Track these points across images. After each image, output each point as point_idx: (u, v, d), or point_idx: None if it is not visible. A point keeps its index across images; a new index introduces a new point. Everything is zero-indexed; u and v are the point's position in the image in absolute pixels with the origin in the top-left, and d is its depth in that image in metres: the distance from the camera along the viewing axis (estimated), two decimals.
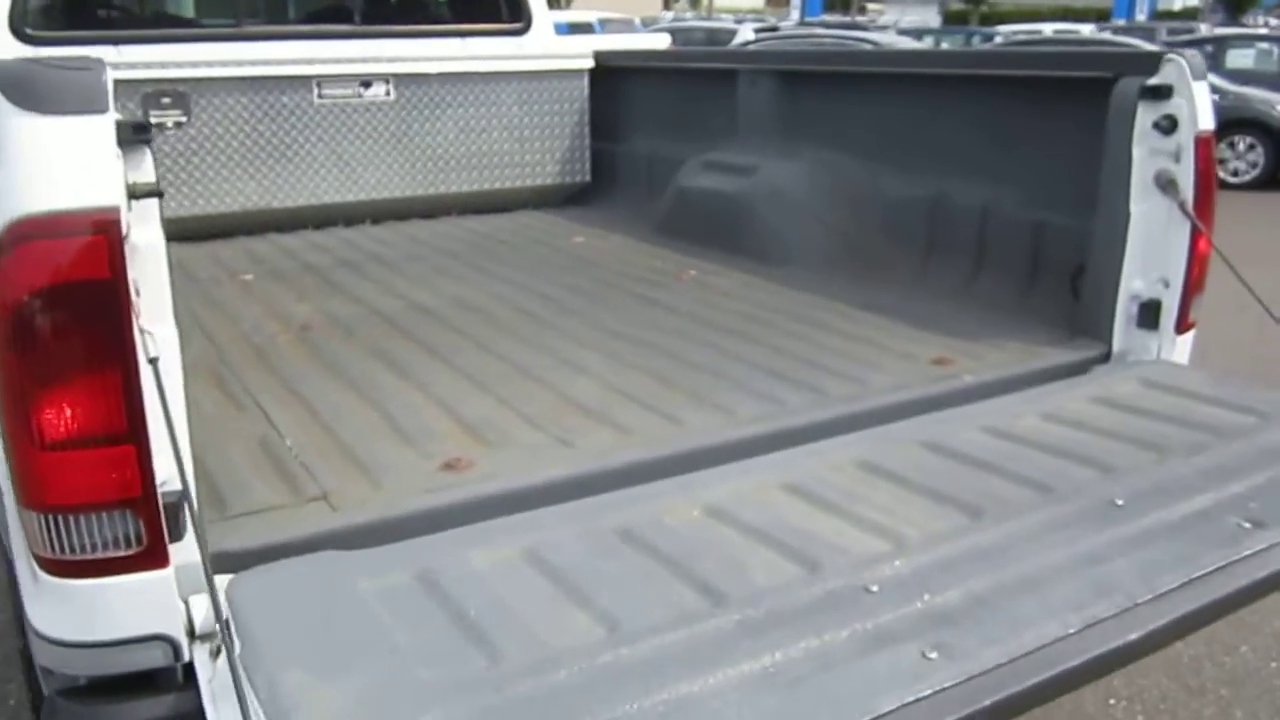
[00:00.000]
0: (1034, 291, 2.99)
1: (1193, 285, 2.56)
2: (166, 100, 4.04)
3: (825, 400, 2.32)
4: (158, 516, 1.49)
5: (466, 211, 4.80)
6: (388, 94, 4.46)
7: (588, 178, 5.00)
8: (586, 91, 4.90)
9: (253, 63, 4.15)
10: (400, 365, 2.59)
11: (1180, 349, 2.62)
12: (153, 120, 3.90)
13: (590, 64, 4.86)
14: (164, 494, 1.55)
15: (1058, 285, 2.89)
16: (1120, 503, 1.81)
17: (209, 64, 4.08)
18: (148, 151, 1.54)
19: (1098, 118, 2.64)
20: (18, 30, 4.09)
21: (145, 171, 1.55)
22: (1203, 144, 2.50)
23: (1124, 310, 2.61)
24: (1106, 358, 2.62)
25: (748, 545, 1.68)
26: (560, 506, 1.85)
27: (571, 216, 4.71)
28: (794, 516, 1.78)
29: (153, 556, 1.49)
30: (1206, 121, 2.51)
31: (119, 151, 1.53)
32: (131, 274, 1.49)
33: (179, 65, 4.03)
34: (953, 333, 2.78)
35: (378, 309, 3.13)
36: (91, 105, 1.47)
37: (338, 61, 4.31)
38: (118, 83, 3.99)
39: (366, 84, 4.40)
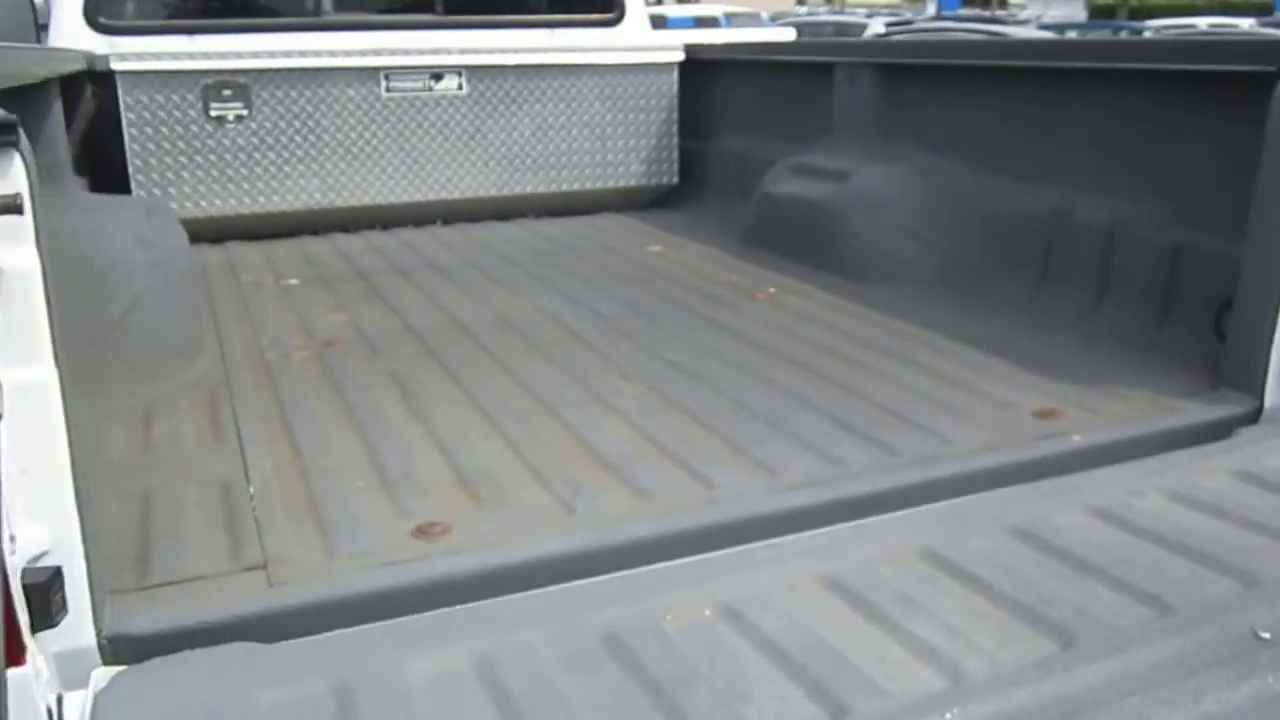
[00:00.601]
0: (1168, 329, 2.50)
1: None
2: (227, 92, 3.86)
3: (894, 461, 1.91)
4: (10, 605, 1.21)
5: (543, 214, 4.51)
6: (460, 87, 4.19)
7: (675, 179, 4.64)
8: (676, 87, 4.54)
9: (317, 53, 3.94)
10: (413, 393, 2.29)
11: None
12: (213, 113, 3.73)
13: (680, 57, 4.50)
14: (34, 571, 1.27)
15: (1198, 322, 2.40)
16: (1267, 635, 1.36)
17: (272, 54, 3.88)
18: (15, 156, 1.25)
19: (1255, 121, 2.15)
20: (92, 20, 3.98)
21: (10, 181, 1.26)
22: None
23: None
24: (1256, 417, 2.12)
25: (760, 668, 1.31)
26: (540, 593, 1.51)
27: (654, 222, 4.36)
28: (829, 628, 1.39)
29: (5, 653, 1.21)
30: None
31: None
32: None
33: (253, 55, 3.84)
34: (1064, 376, 2.32)
35: (413, 323, 2.84)
36: None
37: (407, 53, 4.06)
38: (178, 74, 3.88)
39: (437, 76, 4.15)
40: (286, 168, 4.00)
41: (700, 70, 4.64)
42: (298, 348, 2.64)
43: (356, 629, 1.42)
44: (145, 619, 1.41)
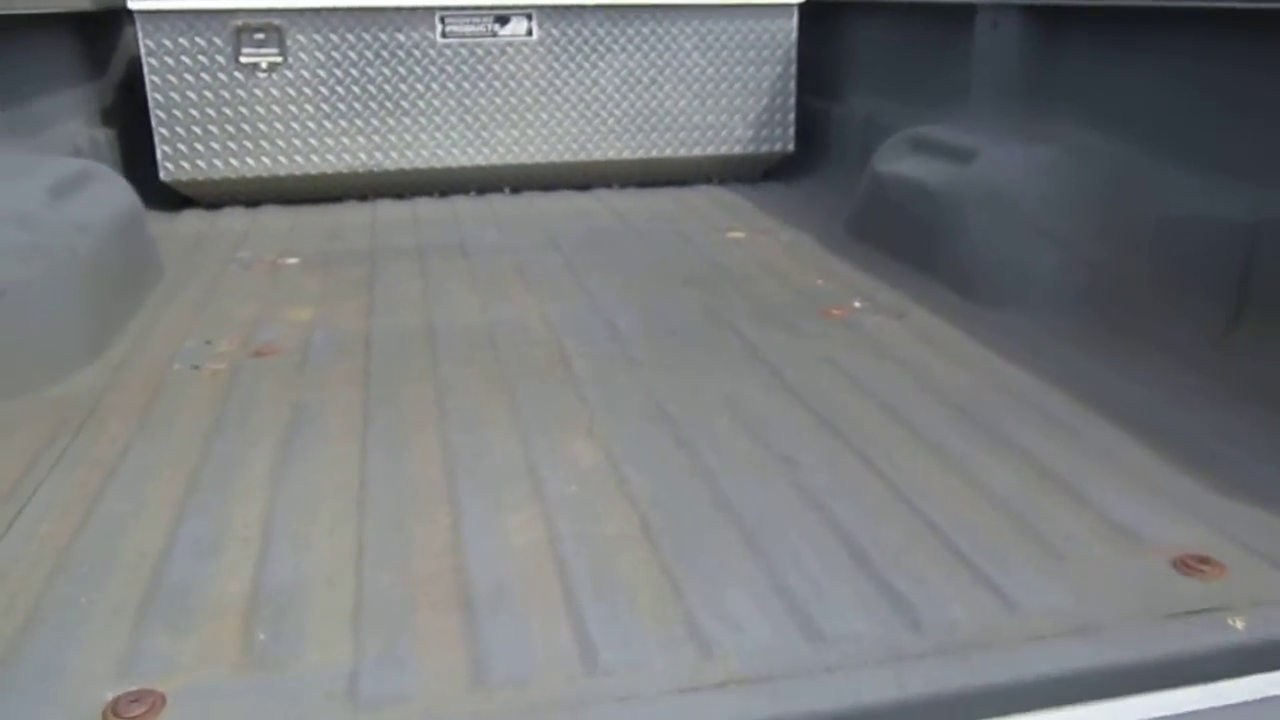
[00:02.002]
0: None
1: None
2: (260, 36, 3.37)
3: (906, 642, 1.18)
4: None
5: (630, 184, 3.84)
6: (529, 32, 3.56)
7: (790, 146, 3.87)
8: (794, 35, 3.75)
9: None
10: (293, 440, 1.71)
11: None
12: (244, 60, 3.25)
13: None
14: None
15: None
16: None
17: None
18: None
19: None
20: None
21: None
22: None
23: None
24: None
25: None
26: None
27: (754, 198, 3.63)
28: None
29: None
30: None
31: None
32: None
33: None
34: (1244, 492, 1.49)
35: (378, 329, 2.26)
36: None
37: None
38: (205, 14, 3.41)
39: (502, 19, 3.53)
40: (327, 124, 3.49)
41: (826, 13, 3.84)
42: (218, 356, 2.11)
43: None
44: None
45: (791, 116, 3.81)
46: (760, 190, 3.78)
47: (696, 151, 3.78)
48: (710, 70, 3.71)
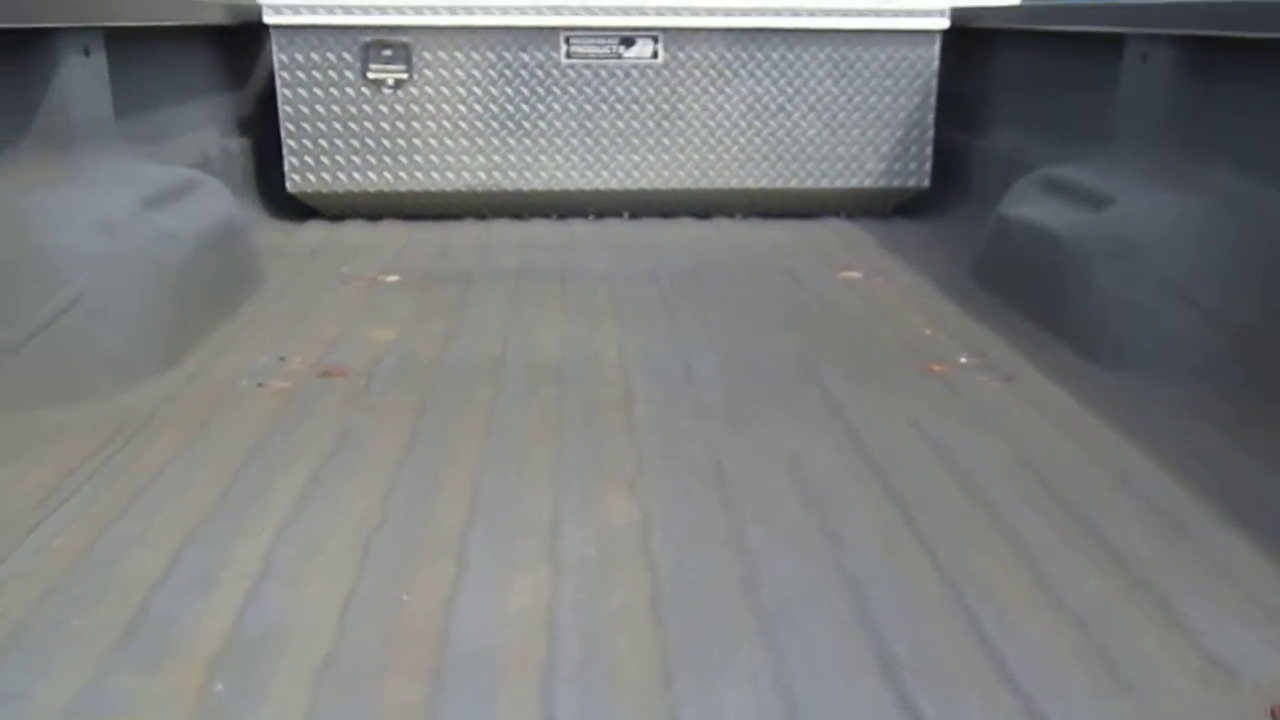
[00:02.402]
0: None
1: None
2: (387, 53, 3.40)
3: None
4: None
5: (754, 214, 3.70)
6: (654, 55, 3.47)
7: (925, 182, 3.64)
8: (936, 64, 3.53)
9: (487, 10, 3.37)
10: (334, 464, 1.65)
11: None
12: (371, 76, 3.29)
13: (944, 24, 3.48)
14: None
15: None
16: None
17: (436, 10, 3.36)
18: None
19: None
20: None
21: None
22: None
23: None
24: None
25: None
26: None
27: (881, 235, 3.43)
28: None
29: None
30: None
31: None
32: None
33: (415, 11, 3.35)
34: None
35: (453, 356, 2.20)
36: None
37: (591, 11, 3.40)
38: (336, 29, 3.47)
39: (628, 41, 3.45)
40: (449, 141, 3.49)
41: (971, 41, 3.60)
42: (286, 374, 2.09)
43: None
44: None
45: (928, 150, 3.59)
46: (889, 227, 3.57)
47: (824, 184, 3.60)
48: (843, 99, 3.53)
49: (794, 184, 3.60)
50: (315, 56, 3.38)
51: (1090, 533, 1.46)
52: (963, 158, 3.61)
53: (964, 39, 3.59)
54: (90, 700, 1.10)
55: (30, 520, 1.49)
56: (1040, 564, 1.37)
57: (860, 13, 3.43)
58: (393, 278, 2.87)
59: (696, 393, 1.99)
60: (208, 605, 1.28)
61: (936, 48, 3.50)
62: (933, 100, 3.55)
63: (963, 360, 2.21)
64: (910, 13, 3.45)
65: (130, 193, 2.16)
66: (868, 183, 3.61)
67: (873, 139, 3.57)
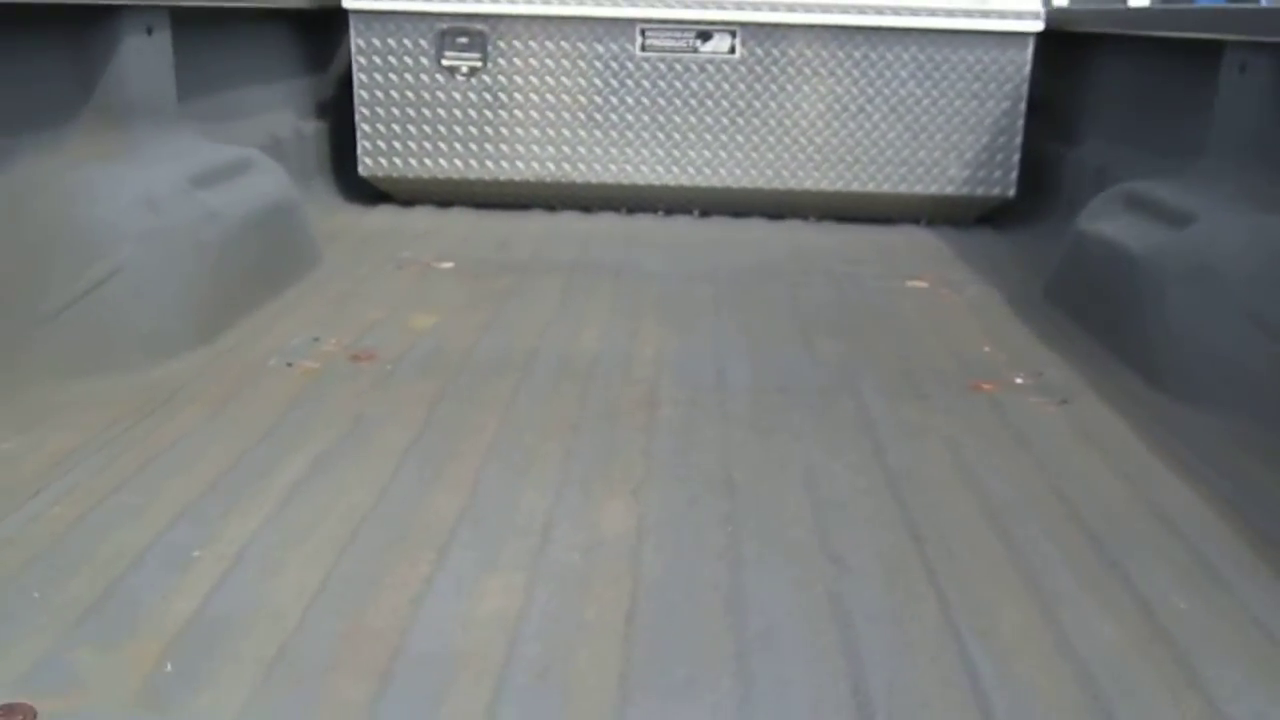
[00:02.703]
0: None
1: None
2: (463, 40, 3.39)
3: None
4: None
5: (829, 217, 3.59)
6: (732, 50, 3.38)
7: (1010, 191, 3.48)
8: (1028, 68, 3.36)
9: (563, 0, 3.33)
10: (341, 448, 1.63)
11: None
12: (445, 63, 3.30)
13: (1038, 26, 3.31)
14: None
15: None
16: None
17: None
18: None
19: None
20: None
21: None
22: None
23: None
24: None
25: None
26: None
27: (956, 244, 3.28)
28: None
29: None
30: None
31: None
32: None
33: (559, 0, 3.32)
34: None
35: (485, 347, 2.17)
36: None
37: (668, 4, 3.33)
38: (414, 15, 3.47)
39: (705, 35, 3.37)
40: (519, 131, 3.47)
41: (1066, 45, 3.42)
42: (317, 355, 2.08)
43: None
44: None
45: (1015, 158, 3.43)
46: (968, 236, 3.41)
47: (903, 189, 3.47)
48: (926, 101, 3.39)
49: (871, 188, 3.47)
50: (392, 42, 3.39)
51: (1117, 576, 1.34)
52: (1054, 168, 3.43)
53: (1059, 42, 3.41)
54: (38, 673, 1.09)
55: (34, 487, 1.50)
56: (1054, 607, 1.26)
57: (949, 12, 3.29)
58: (447, 265, 2.86)
59: (724, 399, 1.92)
60: (179, 585, 1.27)
61: (1029, 51, 3.33)
62: (1023, 106, 3.38)
63: (1018, 380, 2.08)
64: (1002, 14, 3.29)
65: (179, 170, 2.18)
66: (949, 190, 3.47)
67: (956, 144, 3.42)
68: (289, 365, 2.03)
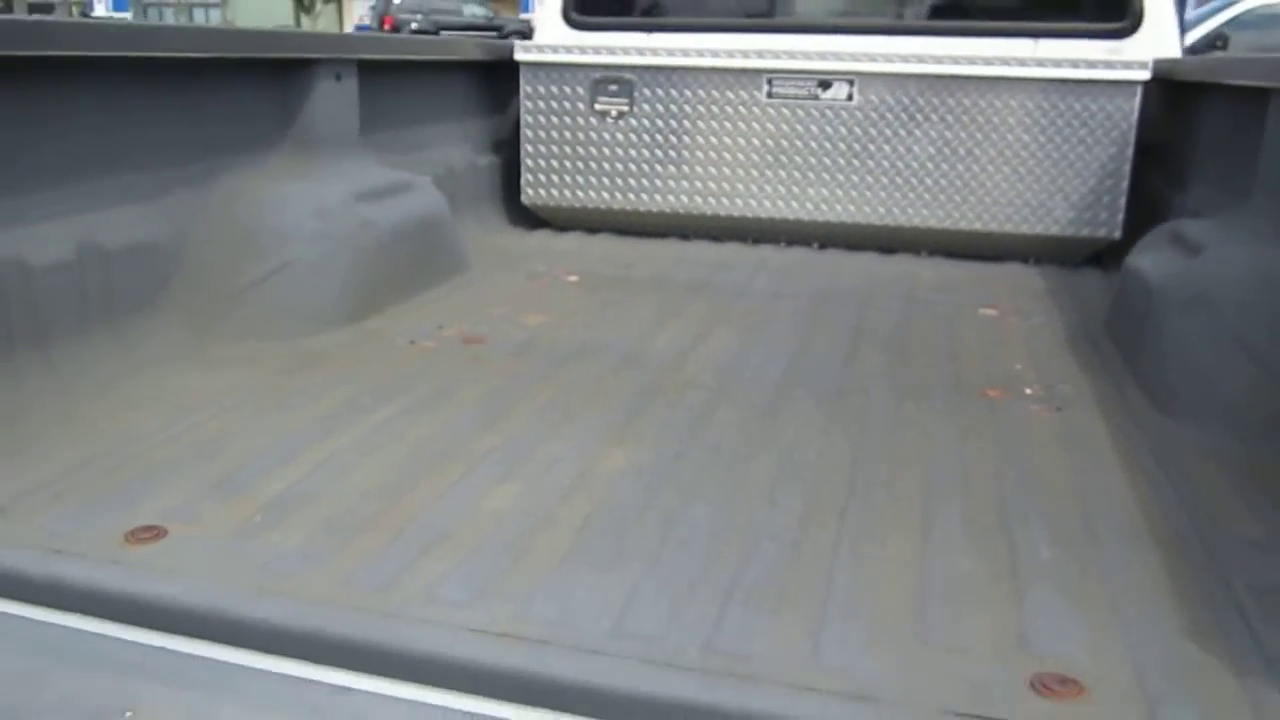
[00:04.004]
0: None
1: None
2: (613, 88, 3.90)
3: (725, 668, 1.26)
4: None
5: (938, 253, 3.83)
6: (849, 97, 3.71)
7: (1116, 234, 3.61)
8: (1135, 116, 3.51)
9: (700, 53, 3.78)
10: (425, 401, 2.11)
11: None
12: (598, 107, 3.81)
13: (1144, 75, 3.46)
14: None
15: None
16: None
17: (656, 51, 3.81)
18: None
19: None
20: (567, 17, 4.28)
21: None
22: None
23: None
24: None
25: None
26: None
27: (1056, 281, 3.46)
28: None
29: None
30: None
31: None
32: None
33: (638, 52, 3.83)
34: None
35: (574, 339, 2.61)
36: None
37: (793, 56, 3.70)
38: (573, 67, 4.00)
39: (825, 84, 3.72)
40: (659, 167, 3.93)
41: (1173, 95, 3.54)
42: (436, 338, 2.59)
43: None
44: None
45: (1121, 201, 3.56)
46: (1073, 275, 3.57)
47: (1008, 228, 3.67)
48: (1034, 146, 3.59)
49: (978, 226, 3.69)
50: (554, 89, 3.94)
51: (1006, 552, 1.59)
52: (1162, 211, 3.54)
53: (1167, 90, 3.53)
54: (177, 511, 1.60)
55: (199, 406, 2.05)
56: (930, 561, 1.54)
57: (1056, 63, 3.50)
58: (573, 278, 3.34)
59: (749, 390, 2.27)
60: (280, 473, 1.76)
61: (1137, 100, 3.48)
62: (1129, 151, 3.52)
63: (1026, 391, 2.31)
64: (1109, 64, 3.46)
65: (347, 188, 2.76)
66: (1054, 230, 3.64)
67: (1063, 187, 3.60)
68: (411, 343, 2.55)
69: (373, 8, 31.72)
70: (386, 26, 29.14)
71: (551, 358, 2.46)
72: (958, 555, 1.53)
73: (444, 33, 25.86)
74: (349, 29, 44.51)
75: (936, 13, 4.01)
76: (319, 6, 43.04)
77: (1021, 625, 1.34)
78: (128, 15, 35.29)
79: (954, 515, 1.66)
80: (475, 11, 29.72)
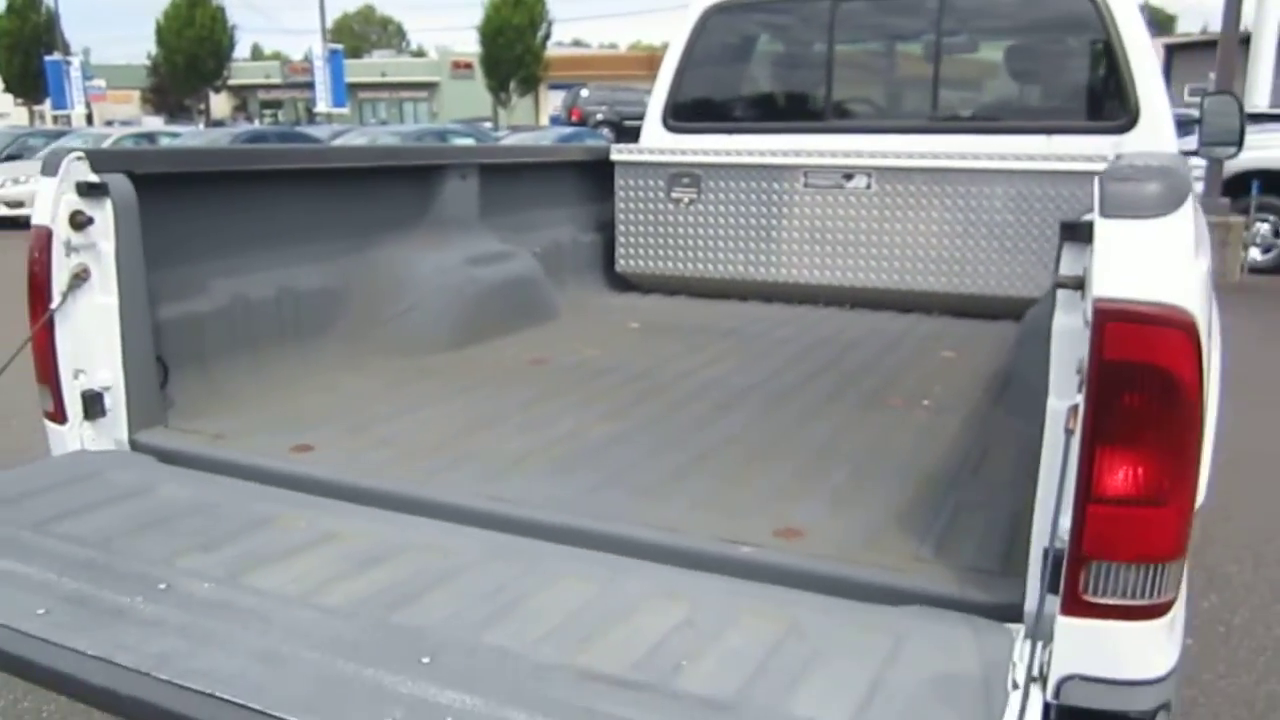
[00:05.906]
0: None
1: None
2: (685, 181, 4.95)
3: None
4: None
5: (945, 313, 4.65)
6: (869, 186, 4.62)
7: None
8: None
9: (751, 153, 4.78)
10: (490, 394, 3.15)
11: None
12: (674, 196, 4.89)
13: (1100, 167, 4.20)
14: (91, 392, 2.62)
15: None
16: None
17: (718, 152, 4.84)
18: (107, 201, 2.59)
19: None
20: (665, 122, 5.40)
21: (104, 213, 2.61)
22: None
23: None
24: None
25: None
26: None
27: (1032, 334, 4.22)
28: None
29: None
30: None
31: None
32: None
33: (703, 152, 4.89)
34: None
35: (611, 361, 3.62)
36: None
37: (823, 155, 4.66)
38: (655, 165, 5.06)
39: (849, 176, 4.65)
40: (720, 242, 4.93)
41: None
42: (512, 361, 3.66)
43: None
44: (152, 437, 2.67)
45: None
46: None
47: (999, 291, 4.46)
48: (1016, 224, 4.39)
49: (975, 290, 4.50)
50: (641, 181, 5.02)
51: (814, 469, 2.49)
52: None
53: None
54: (322, 440, 2.70)
55: (349, 392, 3.17)
56: (752, 465, 2.46)
57: (1030, 157, 4.31)
58: (635, 325, 4.36)
59: (740, 400, 3.18)
60: (386, 426, 2.84)
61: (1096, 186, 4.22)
62: None
63: (924, 403, 3.15)
64: (1074, 158, 4.25)
65: (462, 255, 3.90)
66: (1037, 293, 4.39)
67: (1042, 257, 4.37)
68: (495, 362, 3.62)
69: (564, 101, 34.29)
70: (574, 118, 31.39)
71: (588, 373, 3.47)
72: (780, 470, 2.43)
73: (626, 122, 27.74)
74: (543, 120, 47.75)
75: (949, 117, 4.87)
76: (514, 100, 46.60)
77: (779, 500, 2.25)
78: (345, 110, 39.16)
79: (797, 448, 2.57)
80: None
